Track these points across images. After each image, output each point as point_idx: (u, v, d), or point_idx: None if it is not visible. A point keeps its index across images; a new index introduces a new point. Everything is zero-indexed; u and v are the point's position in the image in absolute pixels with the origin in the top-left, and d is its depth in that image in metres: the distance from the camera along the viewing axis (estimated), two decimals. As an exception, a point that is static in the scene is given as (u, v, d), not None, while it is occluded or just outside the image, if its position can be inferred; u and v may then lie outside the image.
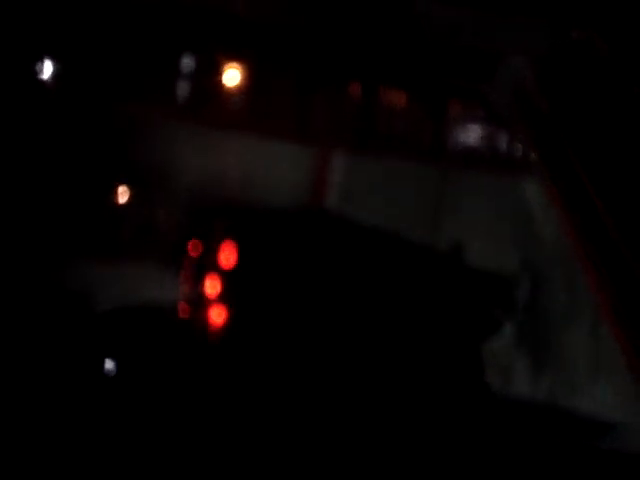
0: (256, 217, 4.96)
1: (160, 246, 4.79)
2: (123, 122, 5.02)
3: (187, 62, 5.29)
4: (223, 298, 4.68)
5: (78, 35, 5.01)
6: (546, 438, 3.93)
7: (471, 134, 5.50)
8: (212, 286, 4.72)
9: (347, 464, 3.96)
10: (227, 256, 4.82)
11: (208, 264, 4.77)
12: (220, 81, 5.47)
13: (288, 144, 5.50)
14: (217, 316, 4.65)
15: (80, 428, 3.97)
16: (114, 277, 4.60)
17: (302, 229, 4.98)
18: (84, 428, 3.98)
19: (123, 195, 4.88)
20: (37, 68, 4.99)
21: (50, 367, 4.17)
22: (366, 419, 4.15)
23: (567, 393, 4.30)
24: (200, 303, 4.67)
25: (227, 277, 4.76)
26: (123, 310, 4.48)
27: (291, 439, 4.05)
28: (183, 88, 5.39)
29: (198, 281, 4.70)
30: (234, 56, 5.39)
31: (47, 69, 4.98)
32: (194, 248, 4.82)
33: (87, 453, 3.88)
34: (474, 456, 3.91)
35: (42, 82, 4.97)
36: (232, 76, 5.46)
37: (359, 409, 4.22)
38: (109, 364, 4.28)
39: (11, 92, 4.81)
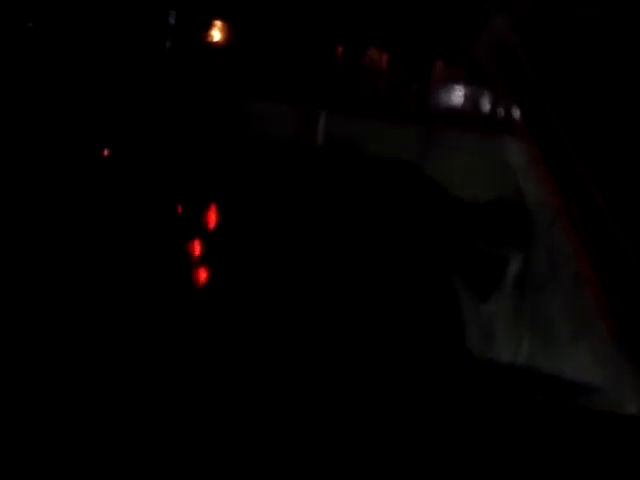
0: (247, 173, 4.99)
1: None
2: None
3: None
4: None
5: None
6: (527, 399, 3.96)
7: (454, 93, 5.49)
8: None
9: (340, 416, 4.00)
10: (213, 214, 4.86)
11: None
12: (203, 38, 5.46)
13: (276, 103, 5.50)
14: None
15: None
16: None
17: (291, 183, 5.00)
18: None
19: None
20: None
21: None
22: (351, 373, 4.18)
23: (548, 355, 4.33)
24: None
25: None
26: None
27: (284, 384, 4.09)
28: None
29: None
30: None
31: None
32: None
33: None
34: (457, 418, 3.94)
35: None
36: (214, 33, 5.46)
37: (346, 361, 4.26)
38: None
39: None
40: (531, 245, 4.76)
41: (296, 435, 3.83)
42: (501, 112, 5.25)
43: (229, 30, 5.49)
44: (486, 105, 5.37)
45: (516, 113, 4.99)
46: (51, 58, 5.01)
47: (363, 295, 4.64)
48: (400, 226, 4.96)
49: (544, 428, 3.69)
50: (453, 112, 5.48)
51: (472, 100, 5.42)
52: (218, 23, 5.43)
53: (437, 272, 4.86)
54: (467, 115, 5.45)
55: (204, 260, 4.71)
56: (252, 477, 3.69)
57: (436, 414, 3.96)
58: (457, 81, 5.48)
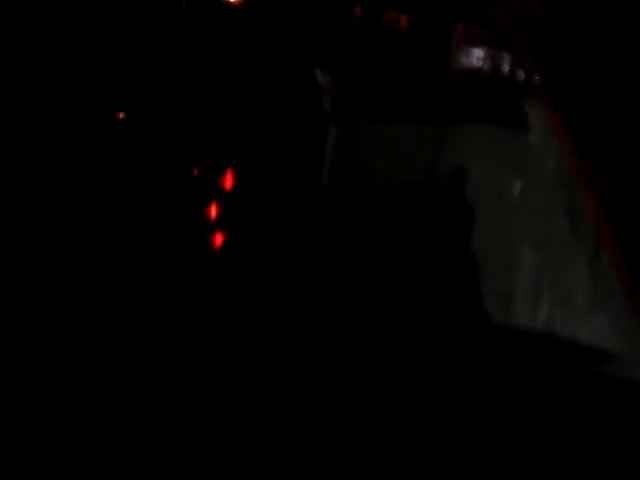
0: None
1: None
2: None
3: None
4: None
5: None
6: (545, 364, 3.96)
7: (475, 57, 5.46)
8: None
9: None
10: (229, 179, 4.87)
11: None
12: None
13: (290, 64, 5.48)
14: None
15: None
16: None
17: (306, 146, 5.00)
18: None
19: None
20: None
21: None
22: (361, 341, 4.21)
23: (566, 320, 4.32)
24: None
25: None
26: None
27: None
28: None
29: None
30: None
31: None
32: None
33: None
34: (474, 383, 3.95)
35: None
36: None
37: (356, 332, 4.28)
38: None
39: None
40: (552, 210, 4.74)
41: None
42: (522, 76, 5.22)
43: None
44: (507, 69, 5.34)
45: (537, 77, 4.96)
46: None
47: (380, 263, 4.65)
48: (415, 197, 4.96)
49: (558, 395, 3.70)
50: (474, 76, 5.45)
51: (493, 65, 5.39)
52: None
53: (450, 238, 4.84)
54: (488, 80, 5.42)
55: (220, 223, 4.73)
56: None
57: (452, 379, 3.96)
58: (479, 44, 5.45)
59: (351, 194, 4.87)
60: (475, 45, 5.55)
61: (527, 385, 3.81)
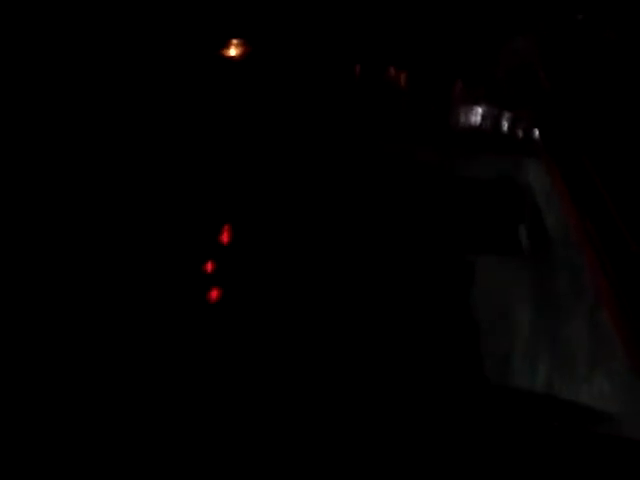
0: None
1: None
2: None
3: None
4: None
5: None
6: (544, 424, 3.91)
7: (475, 113, 5.47)
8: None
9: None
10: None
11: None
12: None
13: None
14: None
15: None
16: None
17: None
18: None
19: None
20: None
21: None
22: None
23: (565, 381, 4.27)
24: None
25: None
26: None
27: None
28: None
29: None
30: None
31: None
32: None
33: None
34: (474, 443, 3.91)
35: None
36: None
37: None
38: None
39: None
40: (552, 266, 4.72)
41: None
42: (521, 132, 5.23)
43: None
44: (507, 125, 5.34)
45: (536, 133, 4.96)
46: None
47: (387, 325, 4.69)
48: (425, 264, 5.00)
49: (561, 454, 3.65)
50: (474, 132, 5.46)
51: (493, 120, 5.39)
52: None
53: (454, 296, 4.85)
54: (488, 135, 5.43)
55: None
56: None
57: (454, 438, 3.93)
58: (478, 101, 5.46)
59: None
60: (475, 102, 5.57)
61: (529, 444, 3.76)
